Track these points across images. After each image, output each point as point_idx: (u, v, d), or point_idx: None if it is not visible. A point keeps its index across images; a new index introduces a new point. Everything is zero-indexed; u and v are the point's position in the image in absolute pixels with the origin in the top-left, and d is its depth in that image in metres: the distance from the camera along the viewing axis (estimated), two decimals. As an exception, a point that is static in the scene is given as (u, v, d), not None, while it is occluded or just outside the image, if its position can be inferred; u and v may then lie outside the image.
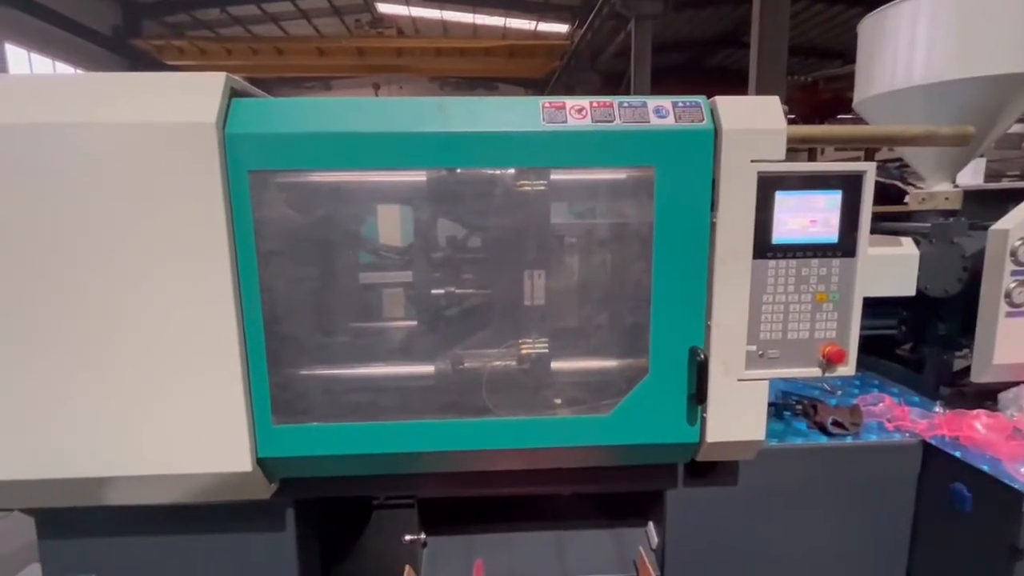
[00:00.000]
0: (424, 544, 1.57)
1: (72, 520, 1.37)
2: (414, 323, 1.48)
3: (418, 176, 1.30)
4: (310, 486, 1.38)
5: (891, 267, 1.60)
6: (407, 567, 1.39)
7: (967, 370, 1.64)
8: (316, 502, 1.51)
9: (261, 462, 1.23)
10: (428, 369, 1.38)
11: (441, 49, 12.94)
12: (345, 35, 13.89)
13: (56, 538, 1.40)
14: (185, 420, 1.18)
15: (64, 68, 12.11)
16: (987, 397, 1.63)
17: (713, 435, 1.27)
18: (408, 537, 1.54)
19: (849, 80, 2.05)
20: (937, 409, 1.65)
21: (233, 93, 1.16)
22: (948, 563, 1.43)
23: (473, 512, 1.63)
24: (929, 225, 1.71)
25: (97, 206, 1.10)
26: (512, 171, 1.27)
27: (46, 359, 1.14)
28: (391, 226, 1.49)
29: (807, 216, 1.22)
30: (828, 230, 1.23)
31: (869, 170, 1.21)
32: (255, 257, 1.15)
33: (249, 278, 1.15)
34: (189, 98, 1.11)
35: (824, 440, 1.49)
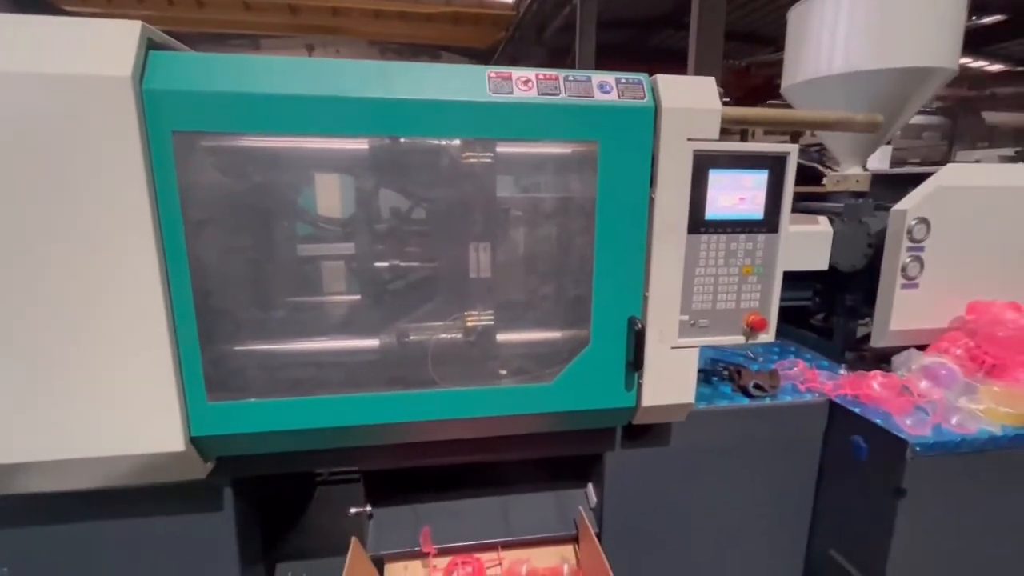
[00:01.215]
0: (370, 516, 1.58)
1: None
2: (357, 297, 1.45)
3: (360, 144, 1.25)
4: (250, 464, 1.34)
5: (808, 243, 1.75)
6: (354, 539, 1.40)
7: (868, 336, 1.83)
8: (256, 480, 1.47)
9: (195, 440, 1.18)
10: (372, 343, 1.36)
11: (381, 11, 12.25)
12: (275, -11, 12.85)
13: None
14: (110, 399, 1.10)
15: (-66, 6, 10.43)
16: (883, 360, 1.83)
17: (648, 399, 1.35)
18: (353, 510, 1.54)
19: (779, 67, 2.17)
20: (842, 371, 1.85)
21: (151, 45, 1.06)
22: (847, 505, 1.62)
23: (418, 482, 1.65)
24: (842, 205, 1.87)
25: (-4, 169, 0.98)
26: (458, 142, 1.26)
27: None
28: (330, 196, 1.43)
29: (737, 194, 1.30)
30: (755, 207, 1.32)
31: (792, 151, 1.30)
32: (182, 226, 1.07)
33: (176, 248, 1.08)
34: (98, 48, 0.99)
35: (746, 402, 1.63)
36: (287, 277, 1.42)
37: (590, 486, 1.69)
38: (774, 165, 1.30)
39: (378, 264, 1.39)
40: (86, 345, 1.07)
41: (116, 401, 1.11)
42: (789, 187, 1.32)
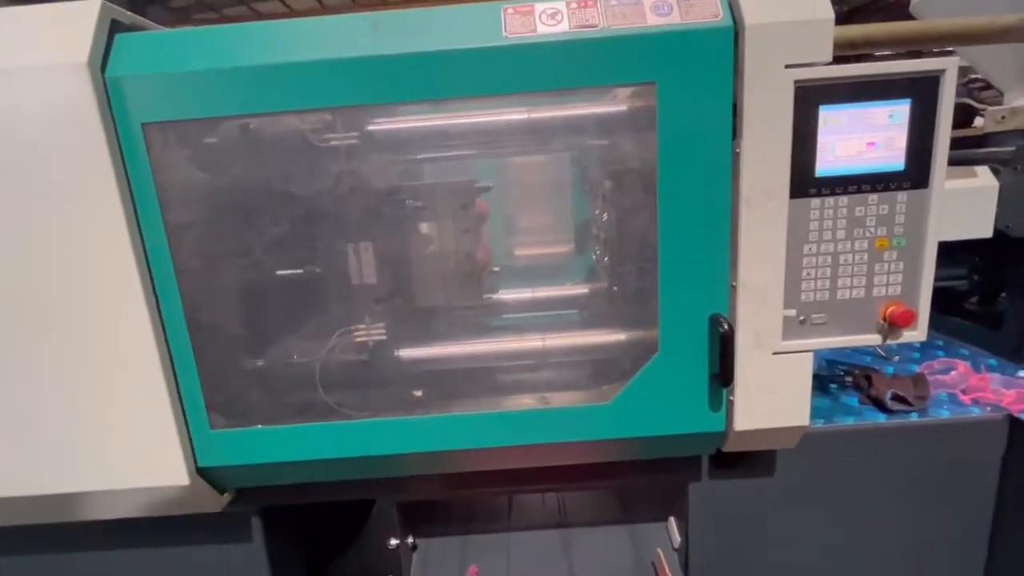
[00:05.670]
0: (414, 547, 1.40)
1: (8, 537, 1.23)
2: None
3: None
4: (274, 493, 1.21)
5: (963, 203, 1.29)
6: (390, 578, 1.22)
7: (1058, 325, 1.34)
8: (290, 507, 1.34)
9: (203, 472, 1.05)
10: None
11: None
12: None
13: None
14: (109, 429, 1.00)
15: None
16: (1085, 357, 1.33)
17: (743, 422, 1.03)
18: (393, 541, 1.37)
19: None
20: (1022, 374, 1.36)
21: (118, 28, 0.92)
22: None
23: (467, 510, 1.45)
24: (1012, 149, 1.38)
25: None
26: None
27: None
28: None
29: (863, 137, 0.93)
30: (892, 154, 0.94)
31: (950, 68, 0.90)
32: (164, 232, 0.94)
33: (160, 258, 0.94)
34: (55, 33, 0.87)
35: (882, 419, 1.23)
36: (288, 286, 1.25)
37: (672, 520, 1.39)
38: (921, 91, 0.91)
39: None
40: (76, 375, 0.97)
41: (115, 432, 1.00)
42: (946, 121, 0.92)
